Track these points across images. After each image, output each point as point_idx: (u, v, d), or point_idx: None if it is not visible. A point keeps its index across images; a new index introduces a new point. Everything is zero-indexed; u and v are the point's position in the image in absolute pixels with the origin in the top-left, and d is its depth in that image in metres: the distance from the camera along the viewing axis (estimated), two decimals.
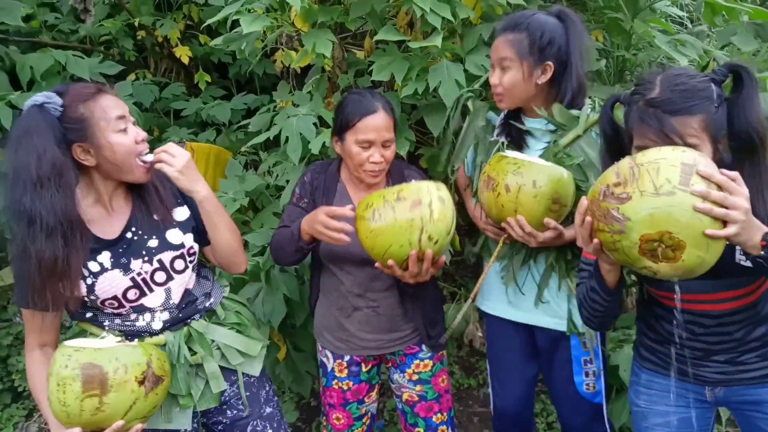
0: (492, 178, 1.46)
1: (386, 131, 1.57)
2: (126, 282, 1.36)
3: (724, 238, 0.98)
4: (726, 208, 0.97)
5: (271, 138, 2.00)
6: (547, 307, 1.63)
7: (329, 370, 1.73)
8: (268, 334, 1.97)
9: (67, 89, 1.31)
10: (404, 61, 1.85)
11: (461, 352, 2.93)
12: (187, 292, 1.47)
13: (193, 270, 1.49)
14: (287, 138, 1.91)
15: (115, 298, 1.35)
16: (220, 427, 1.55)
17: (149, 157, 1.37)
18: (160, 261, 1.40)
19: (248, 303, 1.71)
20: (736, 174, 1.00)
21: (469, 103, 1.77)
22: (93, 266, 1.33)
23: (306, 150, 1.90)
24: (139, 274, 1.38)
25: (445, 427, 1.73)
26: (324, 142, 1.86)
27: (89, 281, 1.33)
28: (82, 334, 1.43)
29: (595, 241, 1.07)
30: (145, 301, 1.40)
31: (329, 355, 1.72)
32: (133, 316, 1.40)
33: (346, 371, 1.71)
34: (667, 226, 0.97)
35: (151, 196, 1.42)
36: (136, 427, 1.25)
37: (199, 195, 1.40)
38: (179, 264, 1.43)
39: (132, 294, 1.38)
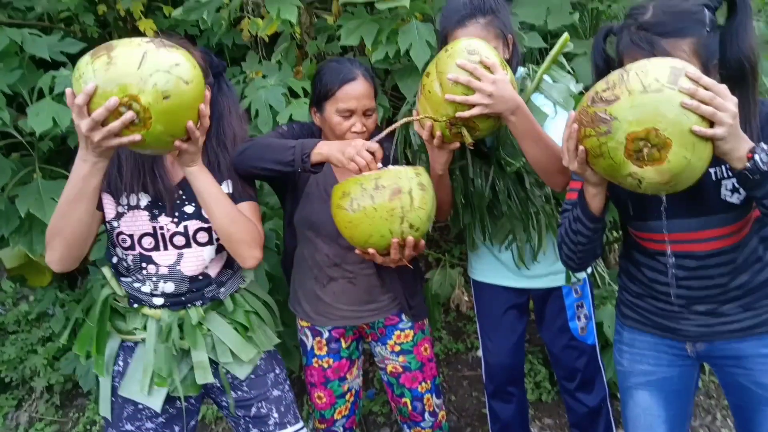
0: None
1: (367, 99, 1.53)
2: (147, 228, 1.40)
3: (710, 138, 0.98)
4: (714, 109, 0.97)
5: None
6: (535, 269, 1.66)
7: (309, 348, 1.71)
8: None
9: None
10: (373, 24, 1.79)
11: (448, 318, 2.95)
12: (203, 276, 1.45)
13: (217, 252, 1.46)
14: (257, 111, 1.86)
15: (131, 237, 1.39)
16: (224, 405, 1.55)
17: None
18: (185, 227, 1.41)
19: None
20: (724, 86, 0.99)
21: None
22: (132, 199, 1.40)
23: (275, 122, 1.85)
24: (161, 228, 1.40)
25: (429, 395, 1.74)
26: (291, 115, 1.81)
27: (120, 210, 1.40)
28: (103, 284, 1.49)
29: (581, 149, 1.06)
30: (155, 256, 1.41)
31: (308, 333, 1.70)
32: (139, 276, 1.42)
33: (325, 348, 1.69)
34: (653, 122, 0.97)
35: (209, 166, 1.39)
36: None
37: (189, 172, 1.32)
38: (202, 236, 1.43)
39: (147, 242, 1.41)
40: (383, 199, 1.30)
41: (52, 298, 2.70)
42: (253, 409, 1.52)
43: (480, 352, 2.75)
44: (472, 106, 1.30)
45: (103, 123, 1.10)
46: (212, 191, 1.35)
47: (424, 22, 1.79)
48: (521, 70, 1.54)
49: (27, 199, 2.23)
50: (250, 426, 1.53)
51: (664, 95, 0.97)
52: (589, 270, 1.78)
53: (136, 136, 1.11)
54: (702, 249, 1.21)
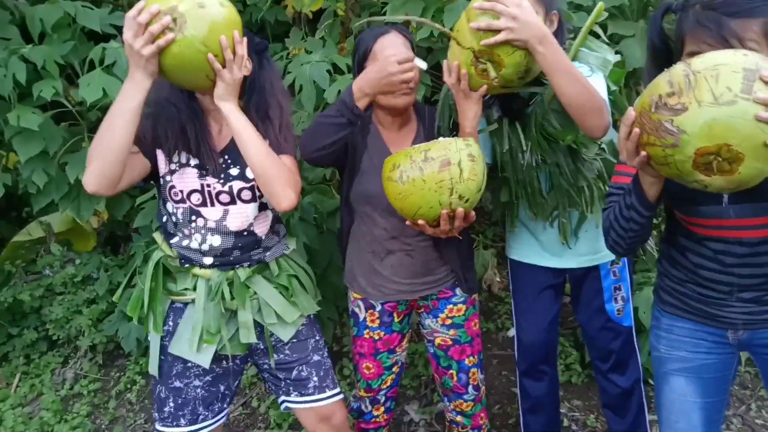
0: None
1: (405, 48, 1.54)
2: (196, 185, 1.47)
3: None
4: None
5: (286, 88, 1.97)
6: (574, 249, 1.67)
7: (361, 319, 1.73)
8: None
9: None
10: (419, 1, 1.79)
11: (480, 297, 2.97)
12: (248, 233, 1.51)
13: (260, 210, 1.52)
14: (301, 86, 1.88)
15: (182, 192, 1.47)
16: (265, 367, 1.60)
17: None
18: (230, 187, 1.48)
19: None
20: None
21: None
22: (182, 157, 1.48)
23: (320, 99, 1.87)
24: (209, 185, 1.48)
25: (476, 369, 1.76)
26: (339, 91, 1.83)
27: (173, 167, 1.48)
28: (155, 248, 1.56)
29: (643, 154, 1.02)
30: (204, 211, 1.48)
31: (361, 305, 1.72)
32: (186, 231, 1.49)
33: (378, 321, 1.71)
34: (726, 138, 0.91)
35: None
36: None
37: (224, 107, 1.37)
38: (246, 194, 1.50)
39: (195, 198, 1.48)
40: (432, 171, 1.31)
41: (97, 263, 2.81)
42: (294, 372, 1.57)
43: (511, 332, 2.80)
44: (498, 33, 1.29)
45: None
46: (248, 130, 1.39)
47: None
48: None
49: (76, 166, 2.32)
50: (291, 389, 1.59)
51: (737, 108, 0.90)
52: None
53: (170, 35, 1.23)
54: (755, 236, 1.19)
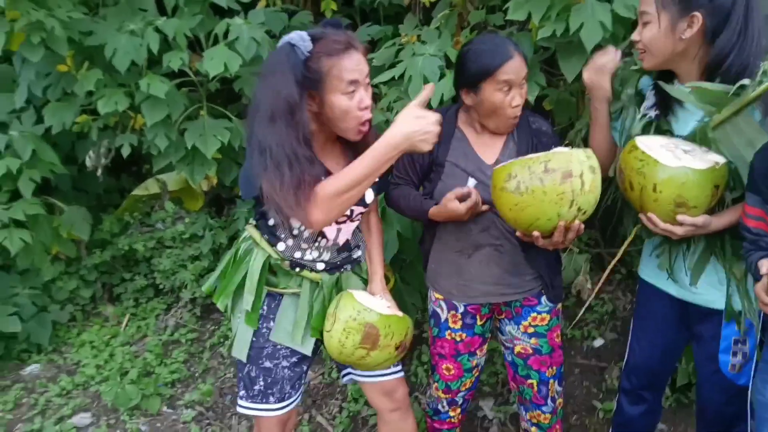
0: (622, 170, 1.37)
1: (524, 72, 1.52)
2: None
3: None
4: None
5: (396, 77, 1.98)
6: (703, 287, 1.50)
7: (443, 320, 1.73)
8: None
9: (322, 36, 1.36)
10: (544, 0, 1.72)
11: (567, 302, 2.89)
12: (347, 241, 1.59)
13: None
14: (410, 77, 1.88)
15: None
16: None
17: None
18: (351, 210, 1.52)
19: None
20: None
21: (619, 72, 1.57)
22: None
23: None
24: None
25: (554, 381, 1.74)
26: (442, 95, 1.81)
27: None
28: (251, 245, 1.58)
29: None
30: (325, 230, 1.52)
31: (443, 305, 1.73)
32: (304, 246, 1.54)
33: (460, 323, 1.71)
34: None
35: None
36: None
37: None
38: (359, 216, 1.57)
39: None
40: (554, 182, 1.27)
41: (204, 223, 3.01)
42: None
43: (597, 342, 2.71)
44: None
45: None
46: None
47: (600, 0, 1.69)
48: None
49: (194, 133, 2.49)
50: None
51: None
52: None
53: None
54: None
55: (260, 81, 1.39)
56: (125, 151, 2.58)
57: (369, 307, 1.47)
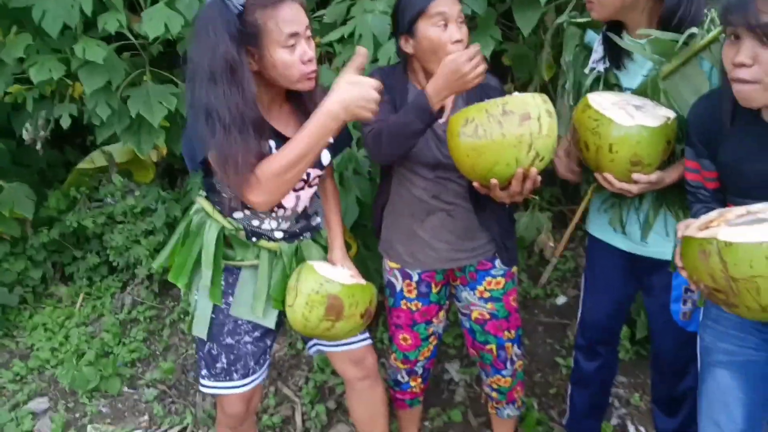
0: (576, 129, 1.34)
1: (459, 4, 1.45)
2: None
3: None
4: None
5: (345, 35, 1.88)
6: (653, 239, 1.52)
7: (398, 290, 1.70)
8: None
9: None
10: None
11: (530, 261, 2.90)
12: (305, 208, 1.53)
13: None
14: (360, 35, 1.80)
15: None
16: None
17: None
18: (308, 174, 1.45)
19: None
20: None
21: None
22: (264, 147, 1.35)
23: (376, 53, 1.79)
24: None
25: (512, 344, 1.73)
26: (389, 58, 1.73)
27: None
28: (204, 217, 1.49)
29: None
30: (282, 199, 1.43)
31: (398, 275, 1.69)
32: (262, 215, 1.47)
33: (415, 291, 1.68)
34: None
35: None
36: None
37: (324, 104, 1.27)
38: (316, 180, 1.50)
39: None
40: (512, 125, 1.22)
41: (155, 196, 2.88)
42: None
43: (560, 300, 2.74)
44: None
45: None
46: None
47: None
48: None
49: (137, 100, 2.34)
50: None
51: None
52: None
53: None
54: None
55: (194, 40, 1.29)
56: (65, 122, 2.42)
57: (330, 278, 1.42)
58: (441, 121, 1.46)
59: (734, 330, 1.27)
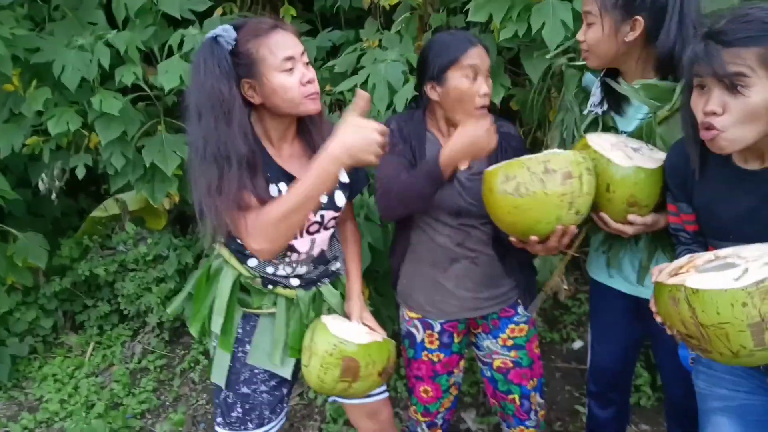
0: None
1: (487, 60, 1.48)
2: None
3: None
4: None
5: (358, 84, 1.92)
6: (650, 281, 1.50)
7: (418, 341, 1.65)
8: None
9: (244, 23, 1.30)
10: (504, 1, 1.68)
11: (544, 305, 2.86)
12: (322, 252, 1.50)
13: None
14: (374, 85, 1.83)
15: None
16: None
17: None
18: (322, 216, 1.43)
19: None
20: None
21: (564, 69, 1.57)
22: (273, 190, 1.35)
23: (391, 99, 1.82)
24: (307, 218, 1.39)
25: (535, 393, 1.68)
26: (407, 99, 1.76)
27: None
28: (222, 264, 1.48)
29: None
30: (296, 244, 1.42)
31: (418, 325, 1.65)
32: (275, 261, 1.44)
33: (437, 342, 1.64)
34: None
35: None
36: None
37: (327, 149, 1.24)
38: (332, 222, 1.47)
39: None
40: (554, 184, 1.22)
41: (167, 243, 2.89)
42: None
43: (577, 344, 2.68)
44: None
45: None
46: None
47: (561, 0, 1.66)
48: None
49: (152, 150, 2.38)
50: None
51: (759, 357, 0.97)
52: None
53: None
54: None
55: (189, 83, 1.31)
56: (80, 173, 2.46)
57: (345, 338, 1.38)
58: (462, 168, 1.43)
59: (727, 374, 1.24)
